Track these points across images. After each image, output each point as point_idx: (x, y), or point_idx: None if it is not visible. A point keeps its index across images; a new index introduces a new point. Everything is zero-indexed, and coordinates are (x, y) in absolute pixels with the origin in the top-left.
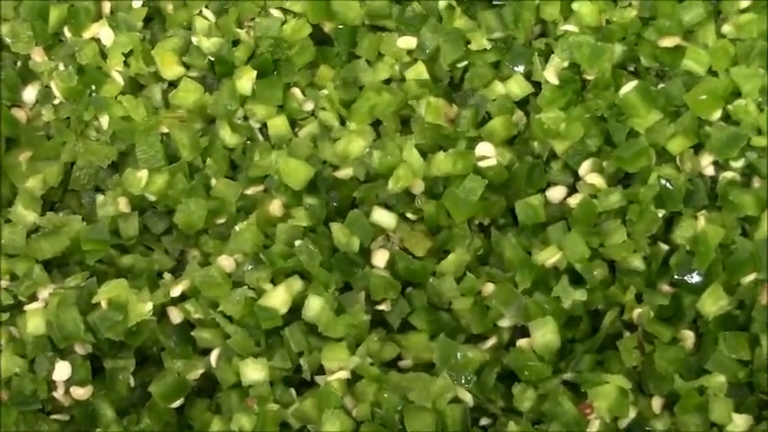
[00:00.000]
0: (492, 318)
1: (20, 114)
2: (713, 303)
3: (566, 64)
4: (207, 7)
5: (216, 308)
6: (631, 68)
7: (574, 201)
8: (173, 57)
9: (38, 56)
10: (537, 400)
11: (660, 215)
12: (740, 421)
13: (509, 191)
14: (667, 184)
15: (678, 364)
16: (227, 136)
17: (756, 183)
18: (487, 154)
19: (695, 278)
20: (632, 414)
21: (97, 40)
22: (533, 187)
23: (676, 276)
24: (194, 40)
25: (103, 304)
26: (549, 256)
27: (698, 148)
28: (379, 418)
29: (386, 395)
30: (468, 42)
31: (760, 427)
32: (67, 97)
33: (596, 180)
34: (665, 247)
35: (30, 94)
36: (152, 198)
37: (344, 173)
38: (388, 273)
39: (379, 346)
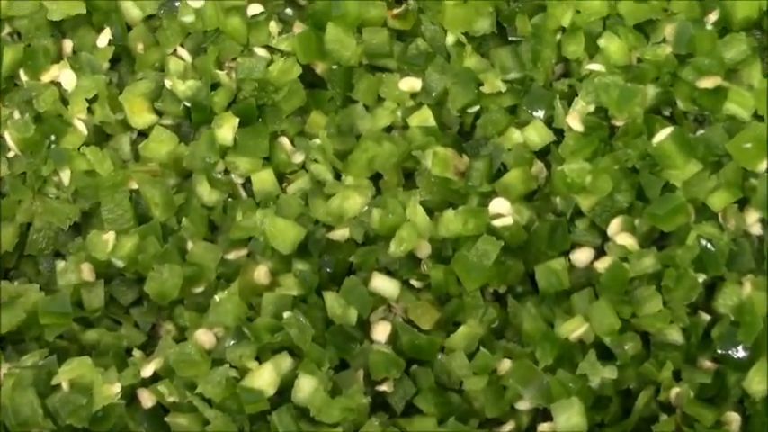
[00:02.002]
0: (509, 399)
1: None
2: (761, 381)
3: (591, 108)
4: (182, 46)
5: (193, 390)
6: (666, 113)
7: (602, 265)
8: (143, 102)
9: None
10: None
11: (700, 280)
12: None
13: (528, 254)
14: (708, 245)
15: None
16: (206, 192)
17: None
18: (503, 212)
19: (741, 352)
20: None
21: (57, 85)
22: (555, 249)
23: (719, 350)
24: (167, 83)
25: (65, 386)
26: (573, 329)
27: (743, 204)
28: None
29: None
30: (481, 84)
31: None
32: (24, 149)
33: (627, 241)
34: (706, 317)
35: None
36: (120, 264)
37: (340, 234)
38: (390, 348)
39: None
